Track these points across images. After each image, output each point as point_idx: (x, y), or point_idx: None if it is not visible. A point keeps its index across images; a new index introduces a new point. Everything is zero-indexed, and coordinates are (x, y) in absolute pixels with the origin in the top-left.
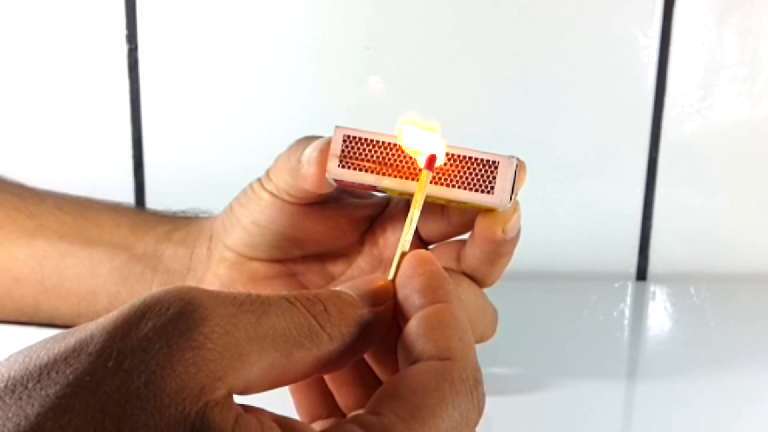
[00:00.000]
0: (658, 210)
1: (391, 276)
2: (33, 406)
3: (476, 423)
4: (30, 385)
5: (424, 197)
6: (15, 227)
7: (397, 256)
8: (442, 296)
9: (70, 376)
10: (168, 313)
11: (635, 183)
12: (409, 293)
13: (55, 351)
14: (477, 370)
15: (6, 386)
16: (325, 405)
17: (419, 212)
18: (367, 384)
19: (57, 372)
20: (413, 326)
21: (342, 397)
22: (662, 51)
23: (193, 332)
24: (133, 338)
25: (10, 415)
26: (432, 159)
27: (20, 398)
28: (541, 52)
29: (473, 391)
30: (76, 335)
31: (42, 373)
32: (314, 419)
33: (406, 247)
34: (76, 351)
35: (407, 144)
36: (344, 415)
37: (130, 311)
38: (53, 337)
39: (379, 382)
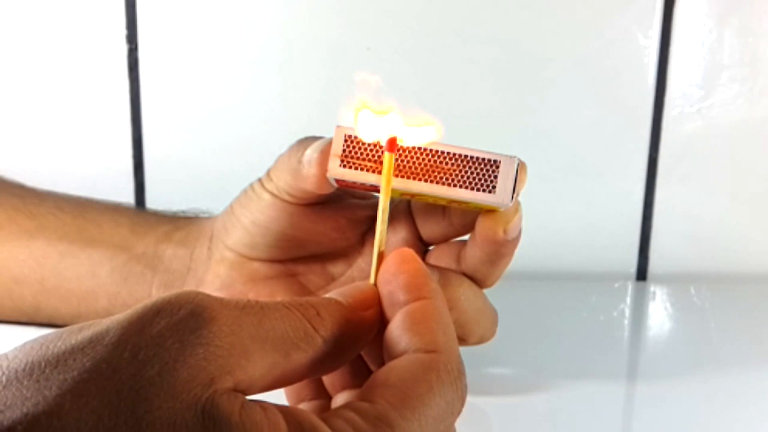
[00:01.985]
0: (658, 210)
1: (372, 278)
2: (51, 388)
3: (459, 412)
4: (48, 370)
5: (390, 183)
6: (15, 227)
7: (375, 254)
8: (425, 293)
9: (87, 364)
10: (179, 313)
11: (635, 183)
12: (393, 290)
13: (72, 341)
14: (460, 362)
15: (24, 369)
16: (312, 387)
17: (389, 200)
18: (354, 366)
19: (74, 359)
20: (399, 321)
21: (329, 377)
22: (662, 51)
23: (202, 330)
24: (147, 334)
25: (28, 395)
26: (393, 141)
27: (38, 381)
28: (541, 52)
29: (457, 381)
30: (92, 329)
31: (59, 359)
32: (301, 400)
33: (383, 240)
34: (92, 342)
35: (364, 134)
36: (330, 397)
37: (143, 311)
38: (68, 330)
39: (366, 366)
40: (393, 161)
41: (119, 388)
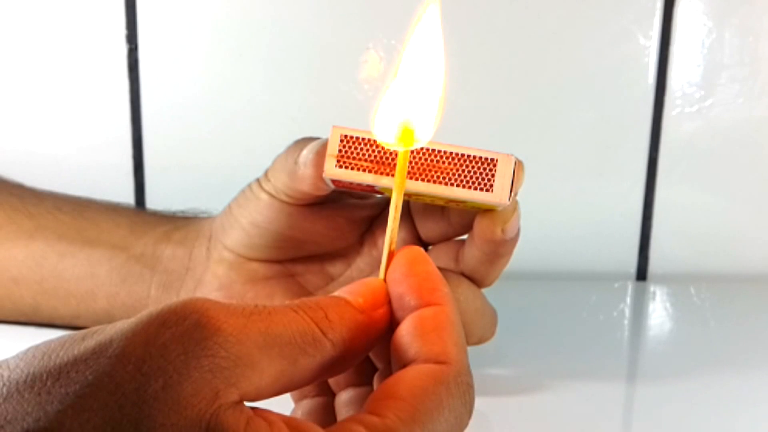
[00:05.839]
0: (658, 210)
1: (381, 274)
2: (53, 403)
3: (467, 425)
4: (49, 383)
5: (405, 179)
6: (14, 228)
7: (386, 252)
8: (438, 298)
9: (90, 377)
10: (185, 323)
11: (635, 183)
12: (403, 292)
13: (75, 352)
14: (469, 374)
15: (26, 382)
16: (316, 384)
17: (402, 198)
18: (359, 363)
19: (77, 372)
20: (410, 326)
21: None
22: (662, 51)
23: (208, 341)
24: (152, 345)
25: (29, 410)
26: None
27: (39, 394)
28: (541, 52)
29: (466, 395)
30: (95, 338)
31: (62, 371)
32: (304, 397)
33: (395, 237)
34: (95, 353)
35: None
36: (333, 394)
37: (148, 320)
38: (71, 337)
39: (371, 363)
40: (408, 157)
41: (122, 403)
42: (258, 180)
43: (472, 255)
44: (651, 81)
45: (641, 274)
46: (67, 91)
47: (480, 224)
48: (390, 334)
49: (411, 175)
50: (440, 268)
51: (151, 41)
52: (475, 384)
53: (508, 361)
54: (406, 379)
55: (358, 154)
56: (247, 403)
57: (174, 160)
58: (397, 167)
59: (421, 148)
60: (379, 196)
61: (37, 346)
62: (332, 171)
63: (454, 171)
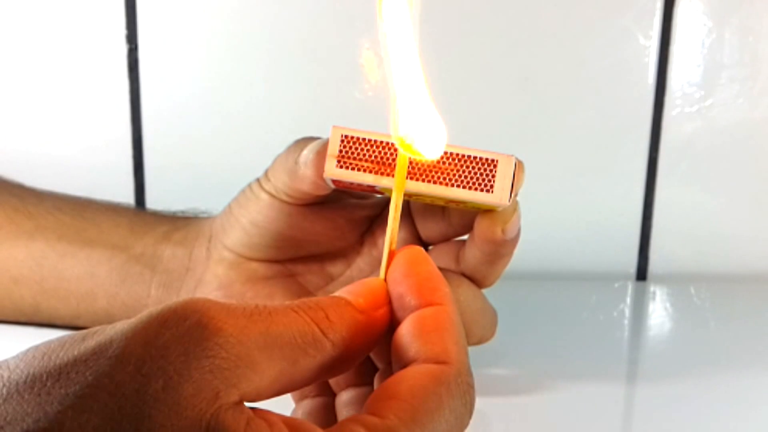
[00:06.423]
0: (658, 210)
1: (382, 274)
2: (52, 404)
3: (467, 425)
4: (49, 383)
5: (404, 179)
6: (14, 228)
7: (386, 249)
8: (438, 298)
9: (90, 377)
10: (185, 323)
11: (635, 183)
12: (403, 292)
13: (75, 352)
14: (470, 374)
15: (25, 382)
16: (316, 384)
17: (402, 198)
18: (360, 363)
19: (77, 372)
20: (410, 326)
21: None
22: (662, 51)
23: (208, 342)
24: (152, 346)
25: (29, 410)
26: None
27: (39, 395)
28: (541, 52)
29: (466, 395)
30: (95, 338)
31: (62, 372)
32: (304, 397)
33: (395, 238)
34: (95, 354)
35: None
36: (334, 394)
37: (148, 320)
38: (71, 338)
39: (371, 363)
40: (407, 157)
41: (122, 404)
42: (258, 180)
43: (472, 255)
44: (651, 81)
45: (641, 274)
46: (67, 91)
47: (480, 224)
48: (390, 334)
49: (411, 175)
50: (441, 269)
51: (151, 41)
52: (475, 384)
53: (508, 361)
54: (407, 379)
55: (358, 154)
56: (248, 404)
57: (174, 160)
58: (397, 167)
59: None
60: (379, 196)
61: (37, 347)
62: (332, 171)
63: (455, 171)
